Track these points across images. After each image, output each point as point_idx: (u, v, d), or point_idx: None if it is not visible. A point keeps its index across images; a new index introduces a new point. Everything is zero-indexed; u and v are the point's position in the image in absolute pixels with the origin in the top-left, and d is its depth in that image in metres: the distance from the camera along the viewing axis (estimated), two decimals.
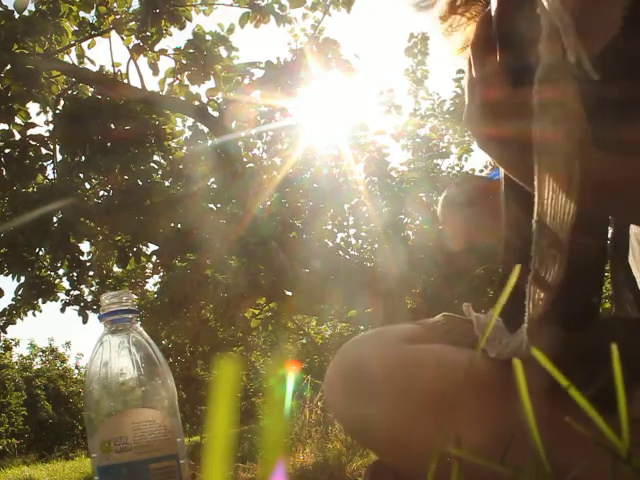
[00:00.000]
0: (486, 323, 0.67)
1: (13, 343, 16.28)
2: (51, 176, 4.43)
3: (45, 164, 4.37)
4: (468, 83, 0.56)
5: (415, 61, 6.01)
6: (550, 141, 0.45)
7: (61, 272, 4.76)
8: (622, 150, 0.54)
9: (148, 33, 4.31)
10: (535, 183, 0.46)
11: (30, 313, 4.90)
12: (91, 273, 4.90)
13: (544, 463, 0.21)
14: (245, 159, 4.75)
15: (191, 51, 4.43)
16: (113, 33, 4.50)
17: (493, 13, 0.52)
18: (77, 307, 4.90)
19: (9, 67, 3.95)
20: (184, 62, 4.51)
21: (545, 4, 0.45)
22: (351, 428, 0.71)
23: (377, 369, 0.67)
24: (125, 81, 4.52)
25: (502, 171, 0.70)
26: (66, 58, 4.57)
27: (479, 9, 0.69)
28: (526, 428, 0.21)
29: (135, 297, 0.76)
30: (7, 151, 4.18)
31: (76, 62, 4.61)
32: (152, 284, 6.44)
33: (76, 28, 4.51)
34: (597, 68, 0.44)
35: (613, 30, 0.58)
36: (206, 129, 4.58)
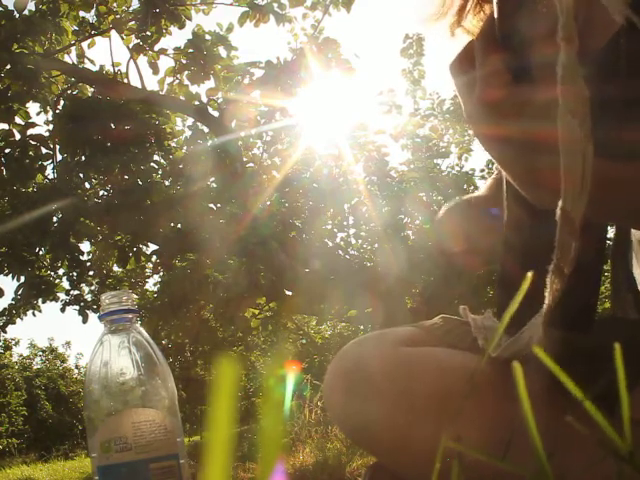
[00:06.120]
0: (487, 326, 0.67)
1: (13, 343, 16.29)
2: (51, 176, 4.43)
3: (45, 164, 4.37)
4: (468, 82, 0.55)
5: (412, 62, 6.02)
6: (572, 138, 0.45)
7: (61, 272, 4.77)
8: (621, 151, 0.54)
9: (148, 32, 4.31)
10: (561, 173, 0.46)
11: (30, 313, 4.90)
12: (91, 273, 4.90)
13: (545, 465, 0.21)
14: (245, 159, 4.74)
15: (191, 51, 4.43)
16: (113, 33, 4.50)
17: (494, 12, 0.52)
18: (77, 307, 4.91)
19: (9, 67, 3.94)
20: (184, 62, 4.51)
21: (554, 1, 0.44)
22: (350, 429, 0.71)
23: (377, 371, 0.67)
24: (125, 81, 4.52)
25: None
26: (66, 58, 4.57)
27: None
28: (525, 430, 0.21)
29: (135, 297, 0.76)
30: (7, 151, 4.18)
31: (76, 62, 4.61)
32: (152, 284, 6.45)
33: (76, 28, 4.51)
34: (598, 66, 0.44)
35: (613, 27, 0.58)
36: (206, 129, 4.58)
